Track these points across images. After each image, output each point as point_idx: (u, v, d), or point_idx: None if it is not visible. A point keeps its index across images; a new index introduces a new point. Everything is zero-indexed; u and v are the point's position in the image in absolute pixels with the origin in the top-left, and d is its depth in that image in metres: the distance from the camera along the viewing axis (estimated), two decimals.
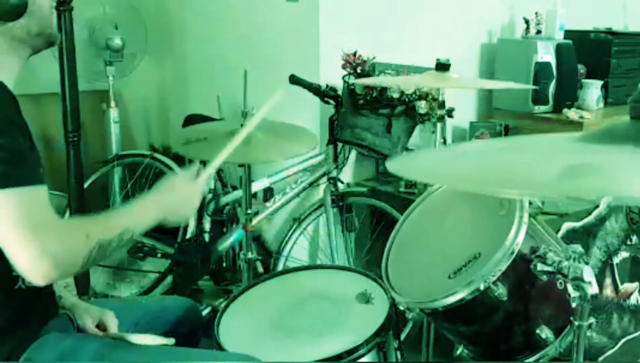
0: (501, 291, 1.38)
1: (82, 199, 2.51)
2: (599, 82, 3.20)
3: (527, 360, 1.46)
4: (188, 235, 2.87)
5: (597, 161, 0.83)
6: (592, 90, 3.18)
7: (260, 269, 2.71)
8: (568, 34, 3.21)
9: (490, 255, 1.39)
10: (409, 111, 2.59)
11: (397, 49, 2.83)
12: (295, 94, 2.54)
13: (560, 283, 1.28)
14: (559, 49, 3.07)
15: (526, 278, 1.40)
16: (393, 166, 1.05)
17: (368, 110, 2.57)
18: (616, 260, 2.03)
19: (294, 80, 2.53)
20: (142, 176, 3.07)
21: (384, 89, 2.54)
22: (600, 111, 3.20)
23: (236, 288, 2.49)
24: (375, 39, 2.80)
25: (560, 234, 1.96)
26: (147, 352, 1.41)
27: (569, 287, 1.25)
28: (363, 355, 1.47)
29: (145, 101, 3.74)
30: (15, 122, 1.19)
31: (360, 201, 2.68)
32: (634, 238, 2.05)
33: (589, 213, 2.04)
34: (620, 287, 2.00)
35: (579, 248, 1.30)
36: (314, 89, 2.55)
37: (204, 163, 1.53)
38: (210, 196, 2.87)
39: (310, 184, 2.69)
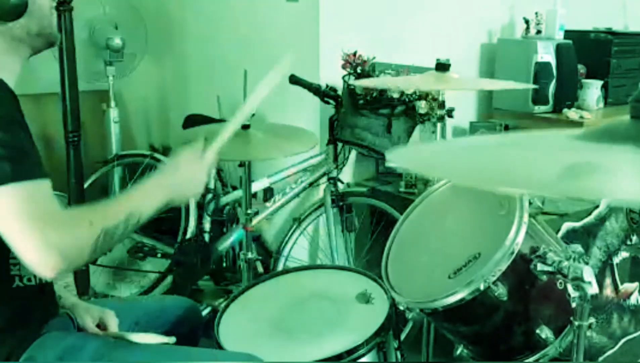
0: (501, 291, 1.38)
1: (82, 199, 2.51)
2: (599, 82, 3.20)
3: (527, 360, 1.46)
4: (188, 235, 2.87)
5: (597, 160, 0.83)
6: (592, 90, 3.18)
7: (260, 269, 2.71)
8: (568, 34, 3.21)
9: (490, 255, 1.39)
10: (409, 111, 2.59)
11: (397, 49, 2.83)
12: (295, 94, 2.55)
13: (560, 283, 1.29)
14: (559, 49, 3.07)
15: (526, 278, 1.40)
16: (393, 158, 1.05)
17: (368, 110, 2.57)
18: (616, 260, 2.03)
19: (294, 80, 2.52)
20: (142, 176, 3.06)
21: (384, 89, 2.54)
22: (600, 111, 3.20)
23: (236, 288, 2.49)
24: (375, 39, 2.79)
25: (560, 234, 1.96)
26: (148, 351, 1.41)
27: (569, 287, 1.25)
28: (363, 355, 1.47)
29: (145, 101, 3.74)
30: (16, 119, 1.19)
31: (360, 201, 2.68)
32: (634, 238, 2.05)
33: (589, 213, 2.05)
34: (620, 287, 2.00)
35: (579, 248, 1.30)
36: (314, 89, 2.55)
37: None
38: (210, 196, 2.87)
39: (310, 184, 2.69)
